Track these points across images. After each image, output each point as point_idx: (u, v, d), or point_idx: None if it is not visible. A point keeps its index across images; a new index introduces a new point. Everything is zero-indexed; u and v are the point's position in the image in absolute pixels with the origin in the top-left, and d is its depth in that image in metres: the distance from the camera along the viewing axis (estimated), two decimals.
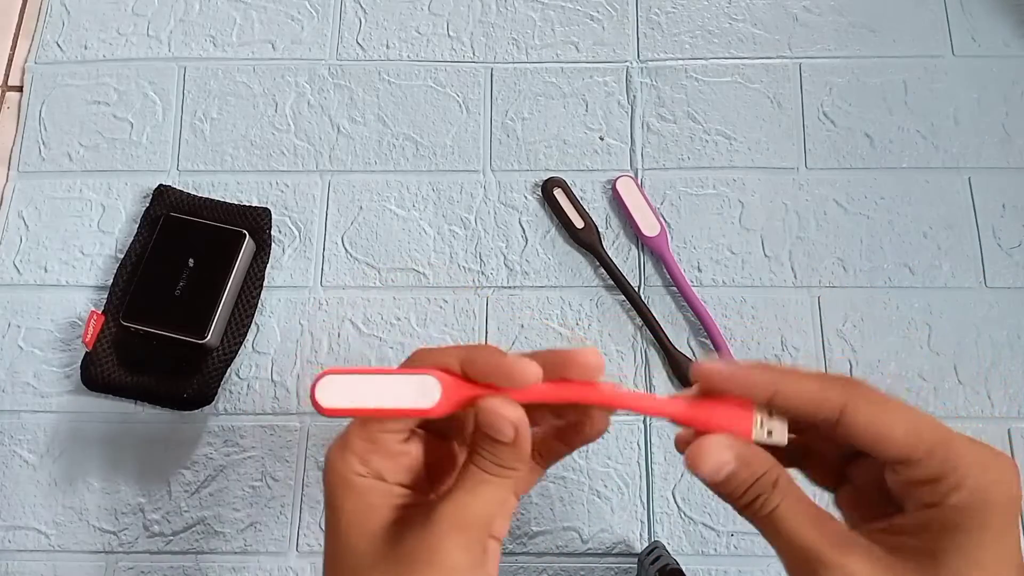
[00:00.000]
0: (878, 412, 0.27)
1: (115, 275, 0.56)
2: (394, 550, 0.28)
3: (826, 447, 0.31)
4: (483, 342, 0.56)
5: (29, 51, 0.63)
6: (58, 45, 0.63)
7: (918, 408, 0.27)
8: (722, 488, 0.28)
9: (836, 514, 0.30)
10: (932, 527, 0.26)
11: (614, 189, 0.58)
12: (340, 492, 0.29)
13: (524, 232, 0.58)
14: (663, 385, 0.54)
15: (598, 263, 0.57)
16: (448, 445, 0.33)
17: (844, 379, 0.28)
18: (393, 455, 0.30)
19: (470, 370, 0.29)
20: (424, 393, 0.29)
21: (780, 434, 0.28)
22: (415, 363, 0.30)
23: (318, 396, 0.29)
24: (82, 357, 0.54)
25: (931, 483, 0.26)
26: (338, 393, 0.29)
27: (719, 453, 0.28)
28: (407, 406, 0.29)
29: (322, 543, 0.52)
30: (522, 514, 0.52)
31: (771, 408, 0.28)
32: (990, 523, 0.25)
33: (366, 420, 0.30)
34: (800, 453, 0.31)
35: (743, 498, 0.28)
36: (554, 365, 0.29)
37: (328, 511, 0.30)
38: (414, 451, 0.31)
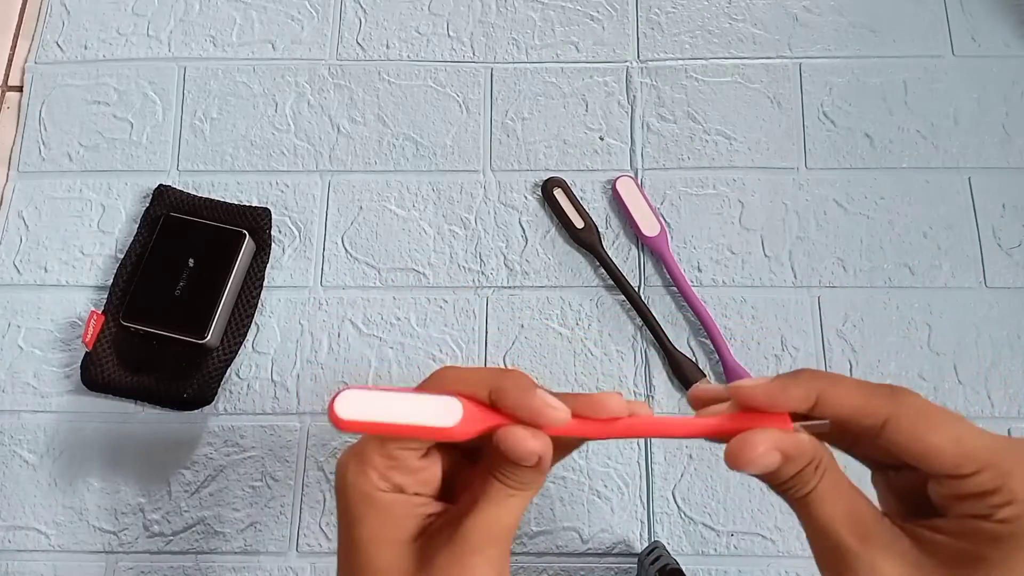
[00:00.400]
0: (924, 426, 0.26)
1: (115, 275, 0.56)
2: (423, 567, 0.28)
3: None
4: (483, 343, 0.55)
5: (29, 51, 0.63)
6: (58, 45, 0.63)
7: (964, 418, 0.26)
8: (763, 478, 0.28)
9: (871, 493, 0.30)
10: (977, 536, 0.25)
11: (614, 189, 0.58)
12: (362, 508, 0.29)
13: (524, 232, 0.58)
14: (663, 385, 0.54)
15: (598, 263, 0.57)
16: (460, 456, 0.32)
17: (889, 389, 0.27)
18: (413, 471, 0.30)
19: (499, 401, 0.28)
20: (445, 414, 0.28)
21: (821, 424, 0.28)
22: (439, 381, 0.29)
23: (337, 409, 0.28)
24: (82, 357, 0.54)
25: (980, 496, 0.25)
26: (358, 408, 0.28)
27: (764, 455, 0.27)
28: (427, 424, 0.28)
29: (322, 543, 0.52)
30: None
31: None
32: None
33: (384, 437, 0.29)
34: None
35: (782, 485, 0.28)
36: (578, 409, 0.29)
37: (346, 526, 0.29)
38: (433, 465, 0.31)
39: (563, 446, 0.31)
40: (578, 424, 0.28)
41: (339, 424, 0.28)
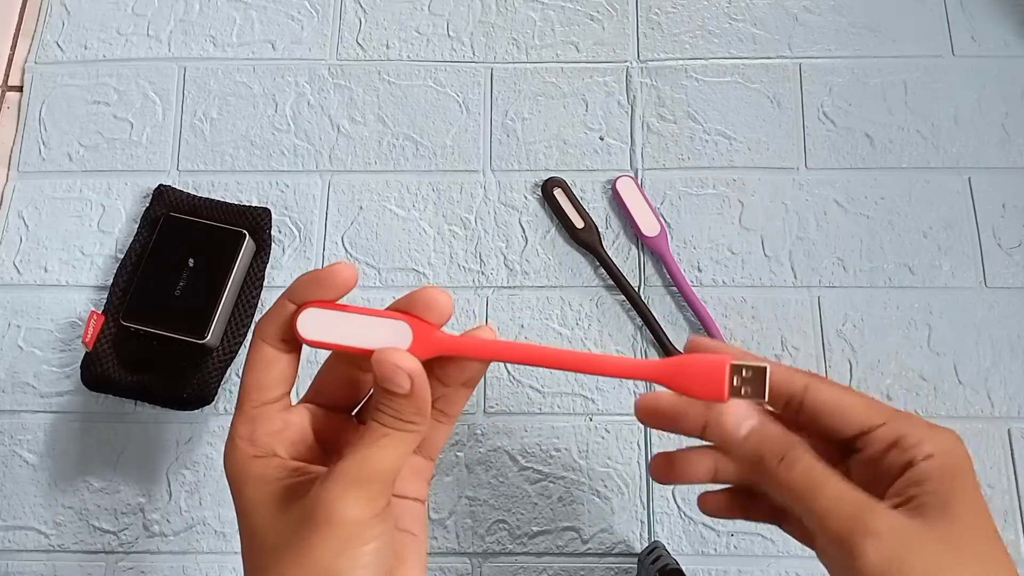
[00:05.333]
0: (838, 391, 0.30)
1: (115, 275, 0.56)
2: (293, 514, 0.28)
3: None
4: None
5: (29, 51, 0.63)
6: (58, 45, 0.63)
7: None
8: (748, 444, 0.29)
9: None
10: (923, 479, 0.28)
11: (614, 189, 0.58)
12: (239, 479, 0.30)
13: (524, 232, 0.58)
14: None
15: (598, 263, 0.57)
16: (344, 420, 0.33)
17: (805, 370, 0.31)
18: (277, 427, 0.30)
19: (293, 297, 0.30)
20: (398, 337, 0.29)
21: (758, 392, 0.28)
22: (255, 334, 0.31)
23: (300, 327, 0.30)
24: (82, 357, 0.54)
25: (896, 444, 0.29)
26: (318, 326, 0.30)
27: (739, 406, 0.30)
28: (382, 348, 0.29)
29: None
30: (522, 514, 0.52)
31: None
32: (961, 464, 0.28)
33: (241, 402, 0.30)
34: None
35: (772, 452, 0.29)
36: (405, 307, 0.30)
37: (234, 502, 0.30)
38: (297, 420, 0.31)
39: (452, 400, 0.32)
40: (499, 346, 0.30)
41: (301, 340, 0.30)
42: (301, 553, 0.27)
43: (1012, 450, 0.53)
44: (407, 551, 0.30)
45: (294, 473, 0.29)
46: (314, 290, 0.30)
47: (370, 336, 0.29)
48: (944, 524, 0.27)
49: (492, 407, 0.54)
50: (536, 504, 0.52)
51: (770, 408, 0.32)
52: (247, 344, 0.55)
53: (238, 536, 0.54)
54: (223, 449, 0.30)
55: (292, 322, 0.30)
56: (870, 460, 0.29)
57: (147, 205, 0.57)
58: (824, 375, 0.31)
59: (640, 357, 0.55)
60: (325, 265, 0.57)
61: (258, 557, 0.28)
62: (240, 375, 0.54)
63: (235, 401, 0.54)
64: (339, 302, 0.30)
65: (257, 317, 0.56)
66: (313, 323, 0.30)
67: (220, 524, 0.53)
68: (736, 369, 0.28)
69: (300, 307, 0.30)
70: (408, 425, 0.29)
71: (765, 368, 0.28)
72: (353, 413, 0.34)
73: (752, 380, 0.28)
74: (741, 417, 0.30)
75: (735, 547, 0.51)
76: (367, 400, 0.33)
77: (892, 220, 0.57)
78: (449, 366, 0.30)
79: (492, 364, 0.55)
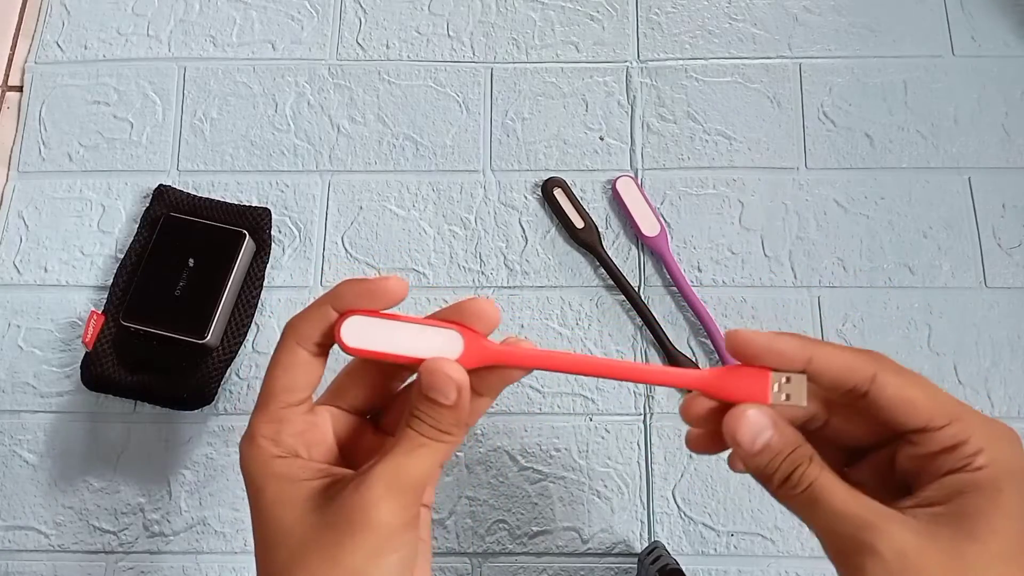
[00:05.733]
0: (905, 383, 0.28)
1: (115, 275, 0.56)
2: (326, 515, 0.28)
3: (830, 446, 0.31)
4: None
5: (29, 51, 0.63)
6: (58, 45, 0.63)
7: (928, 379, 0.29)
8: (759, 459, 0.29)
9: None
10: (961, 490, 0.27)
11: (614, 189, 0.58)
12: (260, 476, 0.29)
13: (524, 232, 0.58)
14: (663, 386, 0.54)
15: (598, 263, 0.57)
16: (361, 423, 0.33)
17: (871, 352, 0.29)
18: (301, 429, 0.30)
19: (337, 305, 0.30)
20: (447, 347, 0.29)
21: (798, 397, 0.29)
22: (289, 335, 0.30)
23: (343, 336, 0.29)
24: (82, 357, 0.54)
25: (953, 449, 0.27)
26: (362, 334, 0.29)
27: (757, 419, 0.28)
28: (429, 357, 0.29)
29: None
30: (522, 514, 0.52)
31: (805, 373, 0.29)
32: (1013, 480, 0.27)
33: (267, 401, 0.30)
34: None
35: (779, 472, 0.28)
36: (453, 317, 0.30)
37: (251, 499, 0.30)
38: (321, 423, 0.31)
39: (473, 410, 0.31)
40: (541, 355, 0.30)
41: (345, 349, 0.29)
42: (332, 554, 0.27)
43: None
44: (419, 557, 0.30)
45: (319, 474, 0.29)
46: (364, 301, 0.29)
47: (419, 345, 0.29)
48: (967, 541, 0.26)
49: (492, 407, 0.54)
50: (536, 504, 0.52)
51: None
52: (247, 344, 0.55)
53: (238, 536, 0.54)
54: (239, 447, 0.30)
55: (335, 329, 0.29)
56: (921, 456, 0.28)
57: (147, 205, 0.57)
58: (888, 356, 0.29)
59: (640, 358, 0.55)
60: (327, 266, 0.57)
61: (279, 555, 0.28)
62: (239, 375, 0.55)
63: (235, 401, 0.54)
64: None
65: (257, 317, 0.56)
66: (357, 331, 0.29)
67: (220, 524, 0.53)
68: (777, 377, 0.29)
69: (343, 315, 0.30)
70: (445, 436, 0.29)
71: (804, 376, 0.29)
72: (367, 417, 0.34)
73: (792, 386, 0.29)
74: (758, 430, 0.29)
75: (735, 547, 0.51)
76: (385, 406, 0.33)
77: (892, 220, 0.57)
78: (490, 375, 0.30)
79: None
